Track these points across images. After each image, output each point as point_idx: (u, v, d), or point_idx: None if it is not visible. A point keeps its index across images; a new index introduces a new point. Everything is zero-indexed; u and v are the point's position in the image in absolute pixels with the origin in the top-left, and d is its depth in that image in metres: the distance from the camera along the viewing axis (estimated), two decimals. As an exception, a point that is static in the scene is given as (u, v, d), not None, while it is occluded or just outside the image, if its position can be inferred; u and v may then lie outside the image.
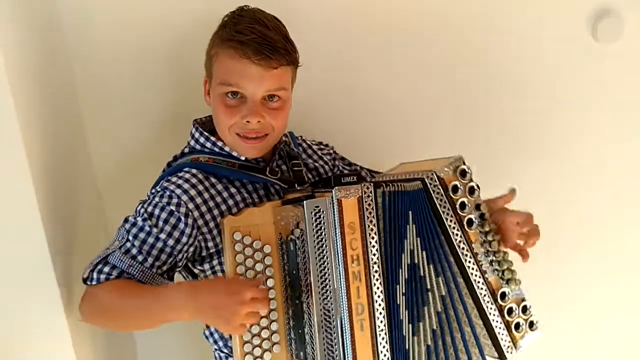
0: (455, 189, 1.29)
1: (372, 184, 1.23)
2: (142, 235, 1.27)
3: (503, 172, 1.76)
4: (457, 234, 1.29)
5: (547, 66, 1.76)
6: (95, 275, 1.25)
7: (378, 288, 1.22)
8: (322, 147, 1.55)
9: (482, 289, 1.32)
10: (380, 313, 1.21)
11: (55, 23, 1.52)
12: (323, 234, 1.20)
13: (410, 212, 1.26)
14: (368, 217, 1.22)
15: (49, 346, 1.29)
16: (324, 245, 1.21)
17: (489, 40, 1.73)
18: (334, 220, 1.20)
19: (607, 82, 1.79)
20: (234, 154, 1.35)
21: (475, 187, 1.32)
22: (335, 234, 1.20)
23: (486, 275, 1.31)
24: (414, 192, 1.27)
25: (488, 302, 1.32)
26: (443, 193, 1.28)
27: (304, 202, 1.21)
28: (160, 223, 1.27)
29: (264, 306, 1.19)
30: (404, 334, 1.24)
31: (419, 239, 1.26)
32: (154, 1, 1.57)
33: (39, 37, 1.42)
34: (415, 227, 1.26)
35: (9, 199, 1.20)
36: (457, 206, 1.29)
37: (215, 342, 1.38)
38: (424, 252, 1.26)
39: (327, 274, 1.21)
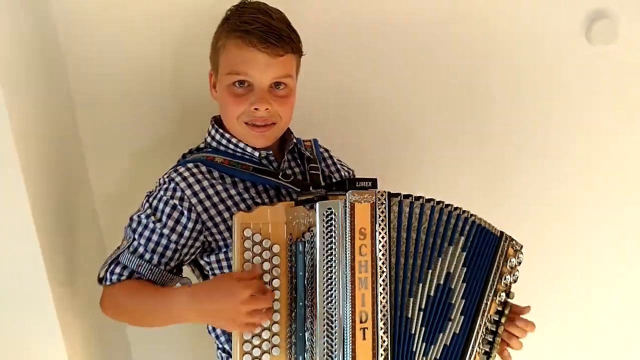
0: (509, 261, 1.33)
1: (385, 191, 1.20)
2: (147, 233, 1.28)
3: (498, 173, 1.80)
4: (488, 296, 1.30)
5: (542, 69, 1.77)
6: (108, 275, 1.29)
7: (384, 298, 1.19)
8: (343, 164, 1.55)
9: (470, 355, 1.29)
10: (384, 324, 1.18)
11: (50, 23, 1.52)
12: (333, 237, 1.19)
13: (462, 237, 1.26)
14: (380, 225, 1.19)
15: (41, 348, 1.29)
16: (333, 249, 1.19)
17: (484, 44, 1.74)
18: (345, 224, 1.18)
19: (602, 85, 1.80)
20: (248, 149, 1.34)
21: (518, 275, 1.35)
22: (345, 238, 1.18)
23: (478, 348, 1.30)
24: (482, 229, 1.29)
25: None
26: (503, 257, 1.32)
27: (317, 203, 1.19)
28: (164, 218, 1.28)
29: (265, 302, 1.18)
30: (414, 349, 1.22)
31: (465, 269, 1.26)
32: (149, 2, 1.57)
33: (34, 42, 1.42)
34: (465, 255, 1.26)
35: (1, 200, 1.20)
36: (502, 276, 1.33)
37: (217, 337, 1.37)
38: (465, 285, 1.26)
39: (333, 278, 1.19)
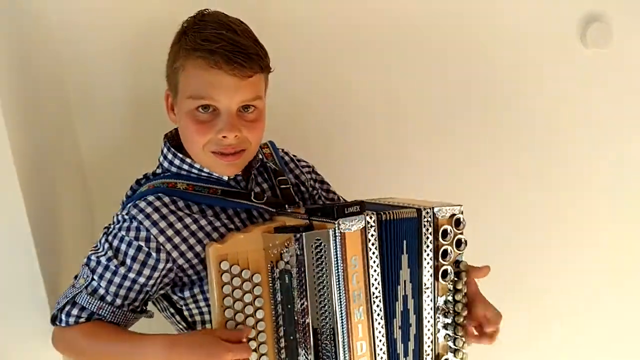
0: (444, 233, 1.22)
1: (374, 213, 1.13)
2: (107, 275, 1.16)
3: (492, 174, 1.81)
4: (429, 279, 1.22)
5: (537, 72, 1.80)
6: (64, 317, 1.17)
7: (379, 324, 1.15)
8: (302, 162, 1.44)
9: (428, 346, 1.25)
10: (381, 349, 1.15)
11: (42, 18, 1.45)
12: (324, 268, 1.12)
13: (404, 241, 1.18)
14: (370, 249, 1.13)
15: (37, 355, 1.26)
16: (324, 281, 1.12)
17: (480, 47, 1.74)
18: (337, 254, 1.12)
19: (597, 87, 1.84)
20: (215, 175, 1.22)
21: (463, 241, 1.24)
22: (338, 269, 1.12)
23: (437, 335, 1.25)
24: (408, 220, 1.19)
25: None
26: (432, 232, 1.21)
27: (303, 234, 1.11)
28: (128, 260, 1.16)
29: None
30: None
31: (409, 270, 1.19)
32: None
33: (24, 33, 1.36)
34: (407, 257, 1.19)
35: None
36: (440, 252, 1.22)
37: None
38: (411, 285, 1.20)
39: (327, 312, 1.13)
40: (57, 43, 1.46)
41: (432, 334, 1.25)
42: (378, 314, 1.15)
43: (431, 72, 1.71)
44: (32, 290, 1.21)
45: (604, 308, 1.99)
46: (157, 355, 1.11)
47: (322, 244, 1.11)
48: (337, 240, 1.11)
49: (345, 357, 1.13)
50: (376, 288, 1.15)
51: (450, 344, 1.28)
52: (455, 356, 1.28)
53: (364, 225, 1.12)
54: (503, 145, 1.81)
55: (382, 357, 1.16)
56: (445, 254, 1.23)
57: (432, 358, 1.26)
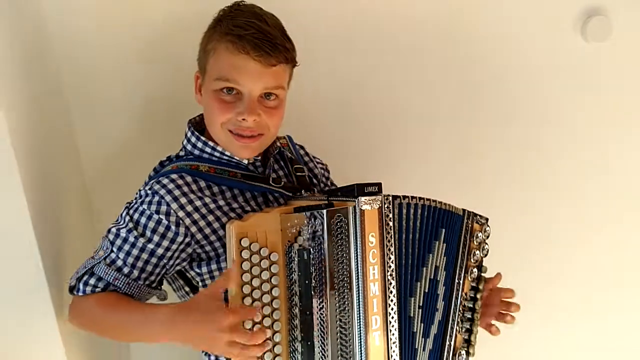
0: (476, 237, 1.35)
1: (391, 195, 1.20)
2: (126, 247, 1.20)
3: (491, 169, 1.83)
4: (459, 275, 1.32)
5: (537, 66, 1.80)
6: (81, 286, 1.20)
7: (392, 300, 1.20)
8: (317, 159, 1.51)
9: (450, 336, 1.33)
10: (393, 326, 1.20)
11: (41, 19, 1.46)
12: (343, 244, 1.17)
13: (443, 230, 1.26)
14: (386, 229, 1.20)
15: (41, 355, 1.26)
16: (343, 257, 1.18)
17: (479, 41, 1.75)
18: (356, 230, 1.17)
19: (597, 81, 1.83)
20: (235, 159, 1.28)
21: (487, 248, 1.37)
22: (357, 244, 1.17)
23: (458, 326, 1.33)
24: (451, 214, 1.29)
25: (449, 353, 1.33)
26: (469, 233, 1.33)
27: (324, 209, 1.17)
28: (148, 232, 1.20)
29: (243, 338, 1.11)
30: (416, 346, 1.24)
31: (445, 258, 1.27)
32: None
33: (23, 35, 1.36)
34: (445, 246, 1.27)
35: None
36: (472, 253, 1.34)
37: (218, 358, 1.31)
38: (445, 272, 1.27)
39: (344, 286, 1.18)
40: (56, 43, 1.49)
41: (454, 325, 1.32)
42: (391, 292, 1.20)
43: (430, 69, 1.72)
44: (33, 290, 1.22)
45: (605, 308, 2.01)
46: (164, 322, 1.14)
47: (342, 220, 1.17)
48: (357, 217, 1.17)
49: (360, 330, 1.17)
50: (390, 266, 1.20)
51: (466, 337, 1.35)
52: (468, 350, 1.36)
53: (380, 204, 1.19)
54: (501, 140, 1.83)
55: (393, 334, 1.20)
56: (474, 255, 1.34)
57: (452, 348, 1.32)
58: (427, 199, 1.27)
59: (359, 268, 1.17)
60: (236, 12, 1.23)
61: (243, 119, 1.23)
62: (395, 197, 1.22)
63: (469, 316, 1.36)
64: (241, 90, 1.23)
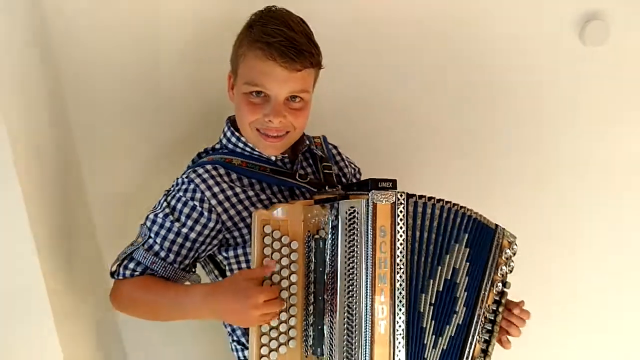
0: (505, 254, 1.41)
1: (406, 193, 1.26)
2: (163, 232, 1.32)
3: (491, 171, 1.86)
4: (485, 286, 1.37)
5: (536, 69, 1.83)
6: (121, 270, 1.32)
7: (400, 293, 1.25)
8: (350, 161, 1.60)
9: (470, 344, 1.37)
10: (400, 318, 1.25)
11: (41, 21, 1.52)
12: (355, 234, 1.24)
13: (466, 235, 1.32)
14: (398, 224, 1.26)
15: (41, 355, 1.31)
16: (355, 245, 1.24)
17: (477, 46, 1.78)
18: (368, 222, 1.23)
19: (595, 85, 1.84)
20: (265, 155, 1.39)
21: (512, 266, 1.42)
22: (367, 235, 1.23)
23: (478, 337, 1.37)
24: (481, 224, 1.35)
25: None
26: (499, 247, 1.39)
27: (339, 201, 1.25)
28: (183, 218, 1.32)
29: (277, 306, 1.24)
30: (425, 342, 1.28)
31: (468, 264, 1.33)
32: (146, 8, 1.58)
33: (23, 37, 1.41)
34: (469, 251, 1.33)
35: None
36: (499, 267, 1.40)
37: (233, 330, 1.41)
38: (468, 278, 1.33)
39: (354, 273, 1.24)
40: (55, 43, 1.53)
41: (477, 332, 1.37)
42: (400, 284, 1.25)
43: (426, 71, 1.78)
44: (32, 291, 1.25)
45: (604, 308, 2.01)
46: (197, 302, 1.26)
47: (356, 212, 1.25)
48: (369, 209, 1.24)
49: (367, 317, 1.22)
50: (400, 260, 1.26)
51: (484, 347, 1.39)
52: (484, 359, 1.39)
53: (394, 200, 1.25)
54: (499, 142, 1.86)
55: (400, 325, 1.25)
56: (501, 269, 1.40)
57: (471, 355, 1.37)
58: (449, 202, 1.33)
59: (369, 258, 1.23)
60: (266, 19, 1.34)
61: (269, 120, 1.34)
62: (410, 195, 1.29)
63: (489, 328, 1.40)
64: (268, 93, 1.34)
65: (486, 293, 1.38)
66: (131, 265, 1.33)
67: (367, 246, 1.23)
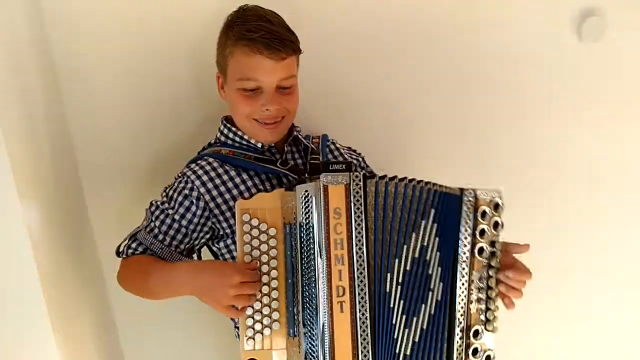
0: (483, 214, 1.34)
1: (361, 173, 1.27)
2: (162, 216, 1.45)
3: (494, 169, 1.83)
4: (465, 254, 1.32)
5: (533, 65, 1.82)
6: (125, 249, 1.47)
7: (361, 273, 1.26)
8: (351, 151, 1.63)
9: (462, 316, 1.32)
10: (362, 298, 1.25)
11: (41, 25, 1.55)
12: (310, 217, 1.27)
13: (433, 210, 1.30)
14: (355, 205, 1.26)
15: (40, 355, 1.33)
16: (310, 229, 1.27)
17: (474, 41, 1.77)
18: (320, 204, 1.26)
19: (592, 80, 1.83)
20: (252, 141, 1.47)
21: (500, 223, 1.34)
22: (320, 217, 1.26)
23: (470, 306, 1.32)
24: (445, 195, 1.32)
25: (459, 333, 1.32)
26: (472, 211, 1.33)
27: (296, 186, 1.29)
28: (176, 205, 1.44)
29: (250, 289, 1.29)
30: (394, 322, 1.28)
31: (437, 239, 1.31)
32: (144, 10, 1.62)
33: (21, 42, 1.44)
34: (437, 227, 1.30)
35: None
36: (478, 230, 1.33)
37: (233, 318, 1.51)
38: (439, 254, 1.30)
39: (311, 256, 1.27)
40: (56, 49, 1.56)
41: (465, 304, 1.33)
42: (360, 264, 1.26)
43: (425, 67, 1.76)
44: (30, 291, 1.26)
45: (604, 307, 1.95)
46: (180, 277, 1.36)
47: (309, 195, 1.28)
48: (321, 192, 1.27)
49: (324, 298, 1.25)
50: (359, 240, 1.26)
51: (482, 316, 1.34)
52: (486, 328, 1.35)
53: (348, 182, 1.27)
54: (496, 139, 1.84)
55: (363, 305, 1.25)
56: (482, 233, 1.34)
57: (464, 327, 1.33)
58: (413, 180, 1.31)
59: (322, 240, 1.26)
60: (244, 17, 1.43)
61: (267, 109, 1.43)
62: (370, 176, 1.29)
63: (482, 295, 1.34)
64: (261, 85, 1.43)
65: (466, 263, 1.33)
66: (133, 245, 1.46)
67: (321, 228, 1.26)
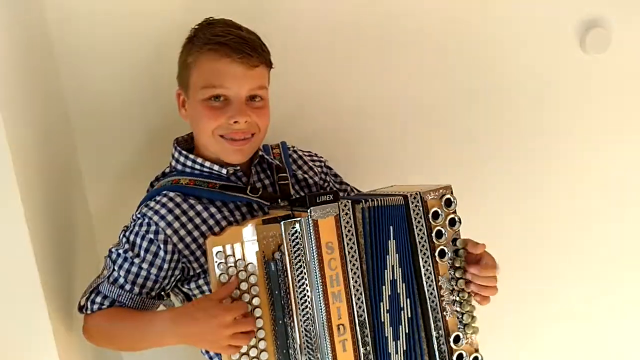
0: (435, 215, 1.27)
1: (349, 200, 1.19)
2: (126, 265, 1.29)
3: (490, 177, 1.83)
4: (426, 261, 1.26)
5: (537, 76, 1.82)
6: (89, 304, 1.30)
7: (360, 307, 1.20)
8: (314, 158, 1.52)
9: (438, 326, 1.28)
10: (365, 333, 1.19)
11: (44, 25, 1.52)
12: (301, 255, 1.19)
13: (391, 227, 1.23)
14: (347, 236, 1.19)
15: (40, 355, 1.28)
16: (302, 267, 1.19)
17: (480, 51, 1.77)
18: (311, 241, 1.18)
19: (595, 92, 1.84)
20: (215, 168, 1.32)
21: (457, 219, 1.29)
22: (312, 255, 1.18)
23: (444, 313, 1.28)
24: (394, 207, 1.24)
25: (441, 342, 1.28)
26: (423, 216, 1.26)
27: (281, 222, 1.19)
28: (142, 252, 1.28)
29: (247, 325, 1.18)
30: (390, 350, 1.23)
31: (397, 255, 1.24)
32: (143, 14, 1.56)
33: (24, 41, 1.40)
34: (395, 243, 1.24)
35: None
36: (434, 233, 1.26)
37: (211, 358, 1.39)
38: (400, 270, 1.24)
39: (306, 296, 1.19)
40: (55, 44, 1.52)
41: (437, 312, 1.28)
42: (359, 298, 1.19)
43: (431, 76, 1.74)
44: (30, 292, 1.23)
45: (604, 308, 1.98)
46: (165, 328, 1.22)
47: (297, 231, 1.18)
48: (310, 227, 1.17)
49: (325, 339, 1.18)
50: (355, 273, 1.19)
51: (458, 320, 1.30)
52: (465, 331, 1.31)
53: (337, 212, 1.18)
54: (501, 148, 1.83)
55: (365, 340, 1.19)
56: (440, 234, 1.28)
57: (443, 336, 1.29)
58: (375, 197, 1.25)
59: (317, 277, 1.18)
60: (211, 25, 1.29)
61: (235, 122, 1.28)
62: (356, 202, 1.21)
63: (454, 298, 1.30)
64: (228, 94, 1.28)
65: (430, 269, 1.28)
66: (98, 299, 1.30)
67: (314, 266, 1.20)
